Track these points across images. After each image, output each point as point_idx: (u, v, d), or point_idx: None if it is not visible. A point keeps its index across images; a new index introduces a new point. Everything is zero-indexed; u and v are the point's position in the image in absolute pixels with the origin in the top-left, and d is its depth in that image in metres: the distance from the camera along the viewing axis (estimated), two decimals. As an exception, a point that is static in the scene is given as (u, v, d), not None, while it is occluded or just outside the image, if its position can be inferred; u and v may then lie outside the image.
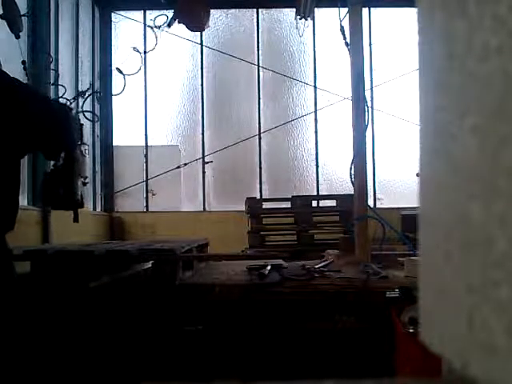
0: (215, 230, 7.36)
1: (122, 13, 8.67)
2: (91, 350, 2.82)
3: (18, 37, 4.43)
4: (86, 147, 4.13)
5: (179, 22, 6.90)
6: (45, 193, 2.78)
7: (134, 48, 7.33)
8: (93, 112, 7.35)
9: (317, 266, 3.65)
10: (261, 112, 8.69)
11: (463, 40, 0.47)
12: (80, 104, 6.78)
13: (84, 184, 4.05)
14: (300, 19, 7.47)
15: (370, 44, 8.49)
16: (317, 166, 8.64)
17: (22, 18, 4.98)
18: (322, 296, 2.96)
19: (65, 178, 2.74)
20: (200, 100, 8.71)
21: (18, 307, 2.18)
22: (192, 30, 7.31)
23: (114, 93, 8.53)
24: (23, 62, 4.43)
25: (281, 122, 8.65)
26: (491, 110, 0.43)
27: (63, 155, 2.69)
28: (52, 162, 2.84)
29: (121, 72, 7.05)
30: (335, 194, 7.53)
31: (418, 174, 0.61)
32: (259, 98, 8.70)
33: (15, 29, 4.37)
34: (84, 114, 6.55)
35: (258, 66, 8.69)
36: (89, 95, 7.00)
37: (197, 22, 6.79)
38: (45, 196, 2.80)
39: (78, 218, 2.85)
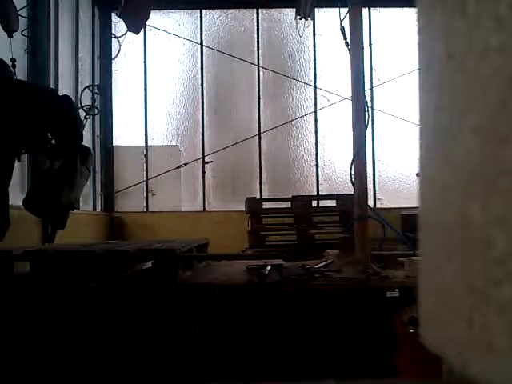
0: (215, 229, 7.36)
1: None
2: (91, 350, 2.82)
3: (10, 36, 4.42)
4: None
5: (121, 18, 7.12)
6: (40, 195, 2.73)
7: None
8: (93, 105, 7.33)
9: (317, 266, 3.64)
10: (261, 112, 8.68)
11: (463, 40, 0.47)
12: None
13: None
14: (300, 19, 7.48)
15: (370, 44, 8.49)
16: (317, 166, 8.64)
17: (23, 18, 4.98)
18: (322, 296, 2.96)
19: (67, 177, 2.70)
20: (200, 100, 8.71)
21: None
22: (129, 30, 7.48)
23: (113, 92, 8.55)
24: (12, 60, 4.45)
25: (281, 122, 8.65)
26: (491, 109, 0.43)
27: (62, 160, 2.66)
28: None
29: None
30: (335, 193, 7.52)
31: (418, 174, 0.60)
32: (259, 98, 8.69)
33: (9, 29, 4.36)
34: (84, 109, 6.63)
35: (258, 66, 8.68)
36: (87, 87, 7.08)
37: (137, 26, 7.04)
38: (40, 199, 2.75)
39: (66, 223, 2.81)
